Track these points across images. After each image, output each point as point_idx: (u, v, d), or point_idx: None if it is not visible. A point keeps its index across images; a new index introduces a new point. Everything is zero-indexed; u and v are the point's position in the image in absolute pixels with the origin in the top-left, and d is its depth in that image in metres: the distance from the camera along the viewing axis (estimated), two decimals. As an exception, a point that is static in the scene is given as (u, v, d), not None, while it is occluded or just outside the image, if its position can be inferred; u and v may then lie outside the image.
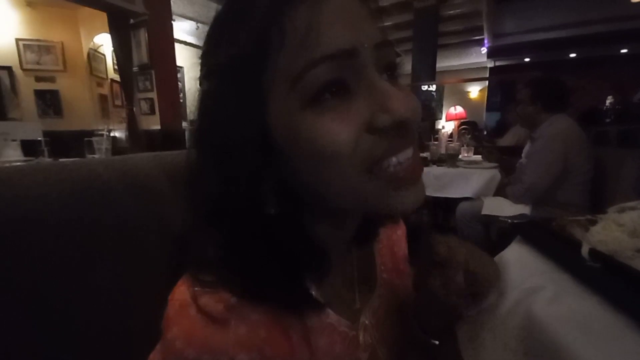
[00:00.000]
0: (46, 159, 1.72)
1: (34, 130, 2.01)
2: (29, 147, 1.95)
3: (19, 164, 1.60)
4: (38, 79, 3.77)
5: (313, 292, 0.30)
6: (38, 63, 3.80)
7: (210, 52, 0.27)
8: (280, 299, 0.26)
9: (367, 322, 0.36)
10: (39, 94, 3.76)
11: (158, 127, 3.35)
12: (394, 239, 0.46)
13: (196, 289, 0.25)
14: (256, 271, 0.25)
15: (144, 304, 0.27)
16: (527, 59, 7.30)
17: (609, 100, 5.39)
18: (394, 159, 0.25)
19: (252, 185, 0.25)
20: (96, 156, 1.68)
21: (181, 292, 0.25)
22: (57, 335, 0.36)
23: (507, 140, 3.05)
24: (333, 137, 0.23)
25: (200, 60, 0.28)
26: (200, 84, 0.28)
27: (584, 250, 0.42)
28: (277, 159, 0.25)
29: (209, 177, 0.27)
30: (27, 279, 0.34)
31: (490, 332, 0.37)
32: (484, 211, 1.74)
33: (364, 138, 0.24)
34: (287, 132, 0.24)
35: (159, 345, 0.25)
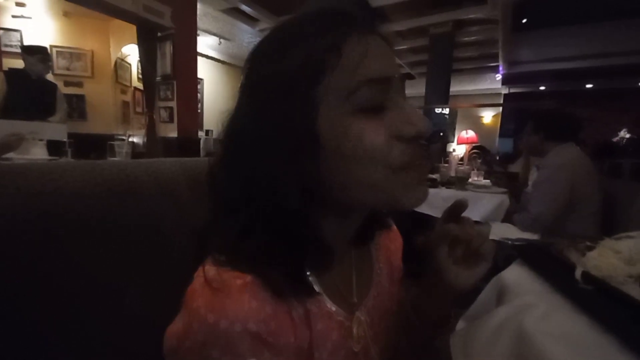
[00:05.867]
0: (70, 159, 1.80)
1: (60, 131, 2.11)
2: (54, 147, 2.04)
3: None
4: (67, 84, 3.96)
5: (313, 283, 0.33)
6: (68, 69, 4.01)
7: (263, 65, 0.31)
8: (282, 284, 0.29)
9: (362, 317, 0.39)
10: (66, 98, 3.94)
11: (175, 134, 3.47)
12: (392, 249, 0.49)
13: (220, 268, 0.29)
14: (265, 260, 0.29)
15: (166, 303, 0.30)
16: (542, 88, 7.31)
17: (623, 133, 5.33)
18: (417, 162, 0.31)
19: (282, 180, 0.29)
20: (117, 159, 1.76)
21: (206, 270, 0.29)
22: (81, 330, 0.37)
23: (517, 167, 3.05)
24: (374, 139, 0.29)
25: (246, 70, 0.33)
26: (241, 90, 0.33)
27: (577, 273, 0.44)
28: (316, 156, 0.30)
29: (235, 171, 0.32)
30: (57, 274, 0.36)
31: (482, 344, 0.39)
32: (491, 236, 1.72)
33: (395, 144, 0.30)
34: (336, 132, 0.29)
35: (178, 317, 0.29)
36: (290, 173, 0.29)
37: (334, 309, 0.36)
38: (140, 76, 3.81)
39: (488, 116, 8.17)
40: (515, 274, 0.54)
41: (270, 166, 0.30)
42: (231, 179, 0.32)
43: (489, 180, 2.39)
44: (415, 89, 7.31)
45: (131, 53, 4.23)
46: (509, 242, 0.72)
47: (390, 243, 0.49)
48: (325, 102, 0.29)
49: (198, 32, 3.77)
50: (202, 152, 4.38)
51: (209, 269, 0.29)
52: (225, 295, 0.27)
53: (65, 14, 3.90)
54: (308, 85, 0.29)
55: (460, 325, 0.62)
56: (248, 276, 0.28)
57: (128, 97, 4.47)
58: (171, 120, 3.51)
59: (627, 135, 5.29)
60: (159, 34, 3.31)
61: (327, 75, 0.29)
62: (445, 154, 3.65)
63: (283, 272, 0.30)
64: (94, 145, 2.31)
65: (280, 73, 0.30)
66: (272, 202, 0.30)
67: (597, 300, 0.39)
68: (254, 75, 0.32)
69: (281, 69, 0.30)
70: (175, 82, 3.43)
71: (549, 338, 0.34)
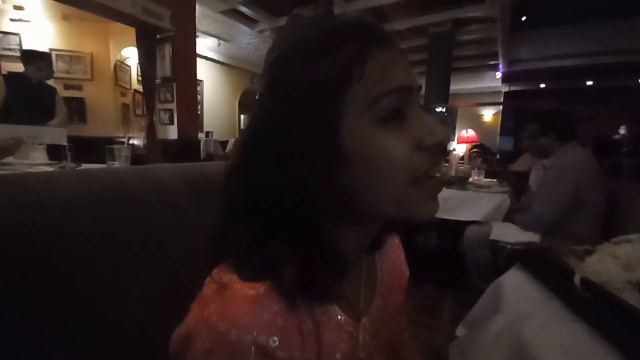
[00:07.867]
0: (69, 163, 1.79)
1: (60, 135, 2.12)
2: (53, 151, 2.04)
3: (47, 167, 1.69)
4: (67, 87, 3.96)
5: (326, 292, 0.33)
6: (68, 72, 4.01)
7: (290, 75, 0.31)
8: (296, 295, 0.30)
9: (367, 324, 0.39)
10: (66, 101, 3.94)
11: (175, 137, 3.47)
12: (393, 257, 0.48)
13: (232, 276, 0.29)
14: (279, 268, 0.30)
15: (165, 311, 0.31)
16: (542, 85, 7.30)
17: (623, 131, 5.31)
18: (435, 172, 0.32)
19: (305, 188, 0.30)
20: (116, 163, 1.75)
21: (219, 277, 0.30)
22: (77, 340, 0.36)
23: (519, 165, 3.04)
24: (397, 149, 0.30)
25: (268, 80, 0.33)
26: (262, 101, 0.33)
27: (576, 280, 0.44)
28: (339, 166, 0.30)
29: (255, 177, 0.31)
30: (54, 285, 0.35)
31: (481, 353, 0.39)
32: (492, 236, 1.71)
33: (415, 154, 0.30)
34: (358, 143, 0.30)
35: (185, 321, 0.29)
36: (313, 182, 0.30)
37: (343, 318, 0.36)
38: (139, 78, 3.82)
39: (488, 114, 8.15)
40: (514, 279, 0.54)
41: (293, 174, 0.30)
42: (250, 185, 0.32)
43: (491, 180, 2.38)
44: (415, 88, 7.27)
45: (131, 55, 4.23)
46: (509, 246, 0.71)
47: (392, 250, 0.49)
48: (349, 113, 0.30)
49: (197, 33, 3.77)
50: (202, 154, 4.38)
51: (222, 276, 0.30)
52: (237, 305, 0.28)
53: (64, 17, 3.90)
54: (334, 95, 0.29)
55: (460, 330, 0.62)
56: (261, 286, 0.29)
57: (128, 100, 4.48)
58: (171, 122, 3.51)
59: (623, 132, 5.25)
60: (158, 36, 3.31)
61: (353, 86, 0.29)
62: (445, 154, 3.65)
63: (297, 282, 0.30)
64: (94, 149, 2.30)
65: (307, 83, 0.30)
66: (291, 210, 0.30)
67: (596, 308, 0.39)
68: (279, 85, 0.32)
69: (308, 79, 0.30)
70: (174, 84, 3.43)
71: (548, 347, 0.34)
